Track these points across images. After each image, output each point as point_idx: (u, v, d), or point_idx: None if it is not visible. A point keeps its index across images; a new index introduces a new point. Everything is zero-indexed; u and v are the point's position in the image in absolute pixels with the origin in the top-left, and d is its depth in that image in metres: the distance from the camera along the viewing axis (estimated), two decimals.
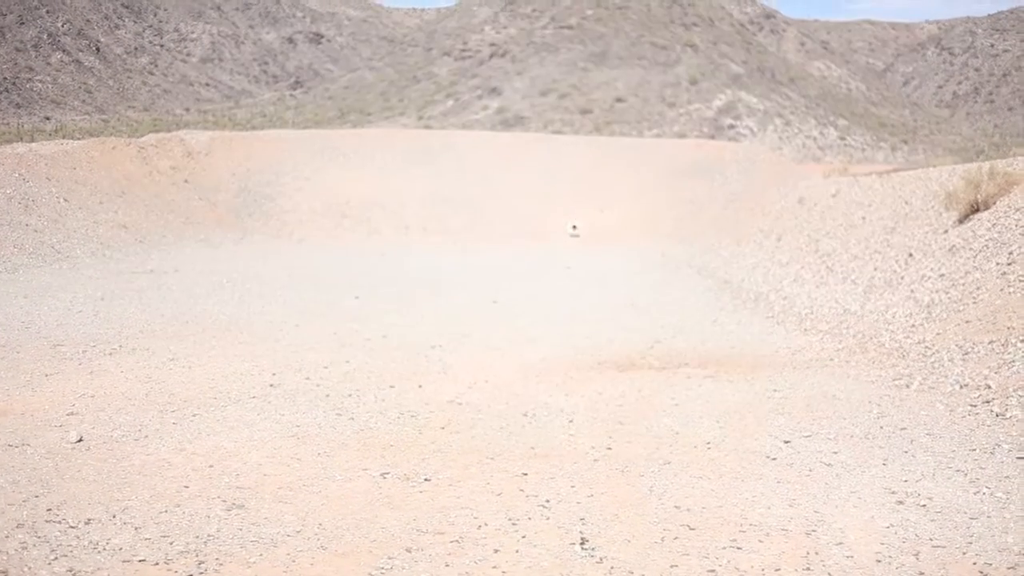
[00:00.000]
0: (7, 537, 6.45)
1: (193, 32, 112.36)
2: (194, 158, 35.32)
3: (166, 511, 6.95)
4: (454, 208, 33.56)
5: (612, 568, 6.05)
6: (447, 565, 6.10)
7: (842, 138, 78.11)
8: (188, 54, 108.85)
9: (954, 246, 14.74)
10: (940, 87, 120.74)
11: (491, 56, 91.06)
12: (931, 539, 6.39)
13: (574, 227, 32.22)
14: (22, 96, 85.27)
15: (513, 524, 6.75)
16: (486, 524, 6.75)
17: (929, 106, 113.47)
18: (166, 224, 29.32)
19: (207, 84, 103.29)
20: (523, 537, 6.52)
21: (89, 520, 6.76)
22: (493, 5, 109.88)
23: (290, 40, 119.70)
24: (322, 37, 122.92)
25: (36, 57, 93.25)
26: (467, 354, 12.99)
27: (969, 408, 9.43)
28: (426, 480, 7.67)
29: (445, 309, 17.03)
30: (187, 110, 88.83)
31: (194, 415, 9.55)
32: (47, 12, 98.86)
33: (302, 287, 19.68)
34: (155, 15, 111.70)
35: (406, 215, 33.17)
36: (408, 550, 6.32)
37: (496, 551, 6.30)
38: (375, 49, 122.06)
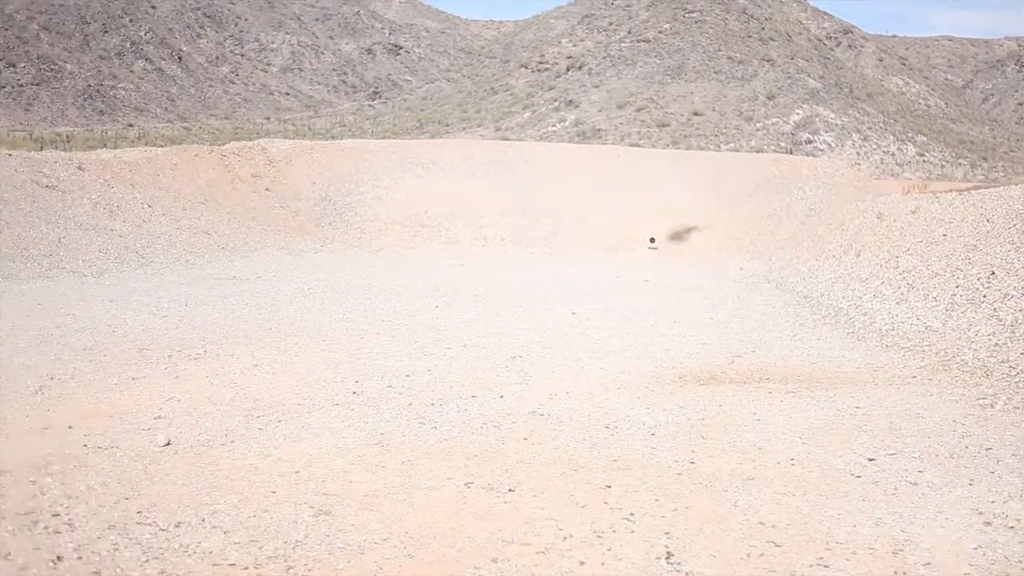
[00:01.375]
0: (99, 538, 6.57)
1: (273, 42, 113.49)
2: (275, 166, 35.57)
3: (254, 516, 7.06)
4: (532, 219, 33.46)
5: None
6: None
7: (920, 154, 77.43)
8: (268, 64, 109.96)
9: None
10: (1020, 104, 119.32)
11: (568, 69, 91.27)
12: (1020, 562, 6.36)
13: (652, 240, 32.10)
14: (106, 103, 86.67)
15: (598, 536, 6.77)
16: (571, 536, 6.78)
17: (1009, 123, 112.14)
18: (248, 231, 29.56)
19: (287, 93, 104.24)
20: (608, 550, 6.54)
21: (179, 523, 6.88)
22: (570, 18, 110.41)
23: (369, 51, 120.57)
24: (400, 48, 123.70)
25: (120, 65, 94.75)
26: (547, 365, 12.99)
27: None
28: (510, 491, 7.71)
29: (524, 320, 17.02)
30: (267, 119, 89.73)
31: (279, 421, 9.65)
32: (130, 21, 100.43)
33: (382, 296, 19.75)
34: (236, 25, 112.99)
35: (484, 225, 33.11)
36: (494, 560, 6.36)
37: (582, 563, 6.34)
38: (453, 60, 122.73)
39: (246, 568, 6.20)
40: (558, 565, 6.30)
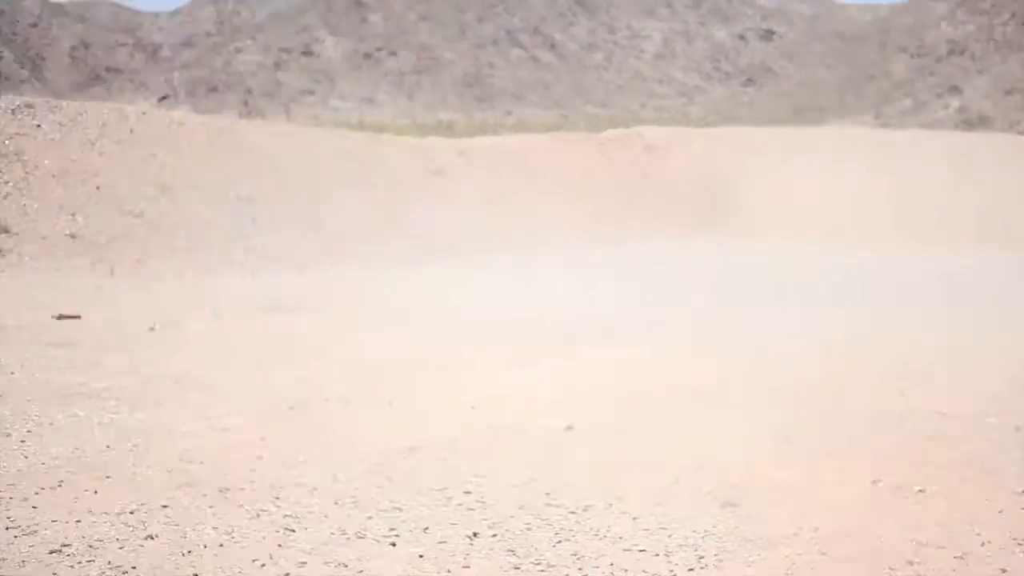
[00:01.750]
0: (512, 517, 6.74)
1: (645, 29, 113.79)
2: (653, 154, 35.74)
3: (660, 503, 7.06)
4: (920, 213, 32.16)
5: None
6: None
7: None
8: (641, 51, 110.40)
9: None
10: None
11: (949, 53, 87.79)
12: None
13: None
14: (483, 91, 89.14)
15: (1019, 544, 6.45)
16: (990, 541, 6.47)
17: None
18: (628, 219, 29.80)
19: (660, 81, 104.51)
20: None
21: (587, 507, 6.95)
22: (950, 1, 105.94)
23: (741, 37, 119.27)
24: (773, 33, 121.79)
25: (495, 53, 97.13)
26: (943, 362, 12.50)
27: None
28: (920, 491, 7.44)
29: (917, 315, 16.47)
30: (642, 106, 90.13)
31: (677, 409, 9.68)
32: (504, 10, 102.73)
33: (771, 289, 19.50)
34: (607, 13, 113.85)
35: (870, 219, 31.99)
36: (910, 563, 6.14)
37: (1003, 571, 6.06)
38: (828, 45, 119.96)
39: (656, 555, 6.20)
40: (978, 572, 6.04)
